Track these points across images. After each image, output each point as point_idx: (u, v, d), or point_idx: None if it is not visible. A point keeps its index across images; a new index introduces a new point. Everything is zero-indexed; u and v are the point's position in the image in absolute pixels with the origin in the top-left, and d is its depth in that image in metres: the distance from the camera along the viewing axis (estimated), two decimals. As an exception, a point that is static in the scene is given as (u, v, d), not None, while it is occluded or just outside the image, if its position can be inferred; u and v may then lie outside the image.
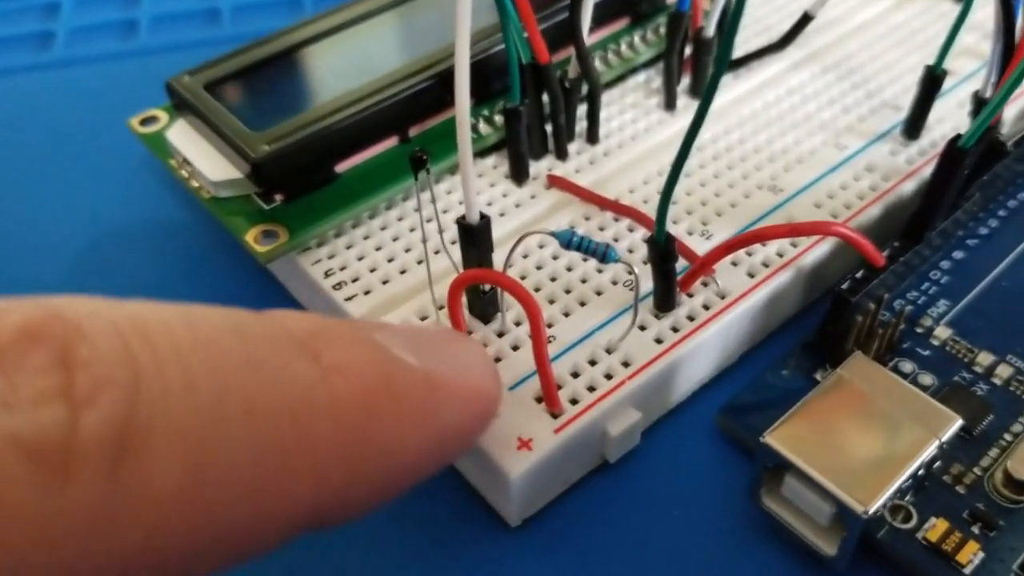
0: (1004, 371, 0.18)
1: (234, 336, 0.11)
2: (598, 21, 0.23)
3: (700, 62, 0.22)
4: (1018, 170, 0.22)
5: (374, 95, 0.20)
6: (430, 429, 0.13)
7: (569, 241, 0.16)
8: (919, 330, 0.19)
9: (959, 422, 0.16)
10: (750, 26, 0.25)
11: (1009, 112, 0.23)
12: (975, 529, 0.16)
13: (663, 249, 0.17)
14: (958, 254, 0.21)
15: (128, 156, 0.24)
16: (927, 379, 0.18)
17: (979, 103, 0.20)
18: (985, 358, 0.19)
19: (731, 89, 0.23)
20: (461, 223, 0.17)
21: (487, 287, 0.17)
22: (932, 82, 0.21)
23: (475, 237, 0.17)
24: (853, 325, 0.18)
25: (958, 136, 0.18)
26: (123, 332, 0.10)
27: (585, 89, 0.21)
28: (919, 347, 0.19)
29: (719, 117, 0.23)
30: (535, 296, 0.16)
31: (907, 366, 0.19)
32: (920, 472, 0.16)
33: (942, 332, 0.19)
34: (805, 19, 0.23)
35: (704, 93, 0.14)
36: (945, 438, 0.16)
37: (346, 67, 0.21)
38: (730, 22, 0.13)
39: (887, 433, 0.16)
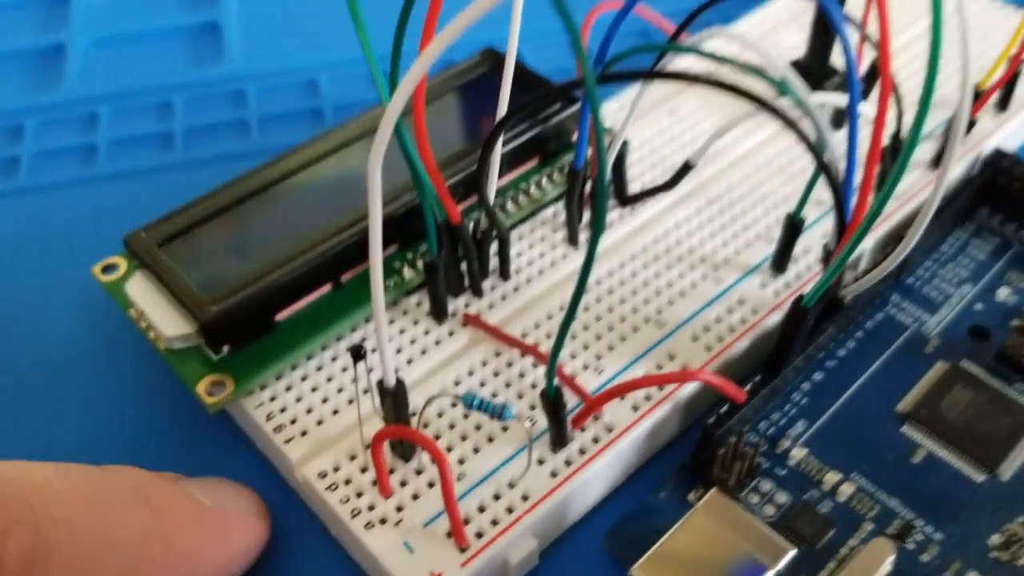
0: (847, 489, 0.22)
1: (93, 486, 0.17)
2: (510, 163, 0.26)
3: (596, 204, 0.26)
4: (876, 291, 0.26)
5: (310, 249, 0.23)
6: (226, 545, 0.19)
7: (471, 403, 0.20)
8: (778, 451, 0.23)
9: (792, 552, 0.19)
10: (647, 158, 0.29)
11: (868, 242, 0.26)
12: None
13: (552, 401, 0.20)
14: (817, 375, 0.24)
15: (89, 291, 0.27)
16: (782, 497, 0.22)
17: (827, 254, 0.23)
18: (832, 477, 0.22)
19: (625, 224, 0.27)
20: (379, 386, 0.20)
21: (405, 434, 0.21)
22: (792, 228, 0.24)
23: (391, 398, 0.20)
24: (717, 455, 0.21)
25: (801, 296, 0.21)
26: (22, 486, 0.16)
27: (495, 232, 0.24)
28: (778, 467, 0.22)
29: (615, 251, 0.26)
30: (441, 449, 0.20)
31: (766, 485, 0.22)
32: (761, 596, 0.19)
33: (798, 452, 0.23)
34: (686, 167, 0.26)
35: (585, 260, 0.16)
36: (780, 567, 0.19)
37: (285, 220, 0.24)
38: (599, 195, 0.16)
39: (733, 565, 0.19)
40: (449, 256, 0.24)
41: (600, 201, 0.16)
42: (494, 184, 0.24)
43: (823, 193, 0.27)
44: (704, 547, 0.19)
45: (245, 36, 0.36)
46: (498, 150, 0.23)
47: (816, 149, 0.19)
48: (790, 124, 0.18)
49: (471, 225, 0.24)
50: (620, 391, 0.21)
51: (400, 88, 0.16)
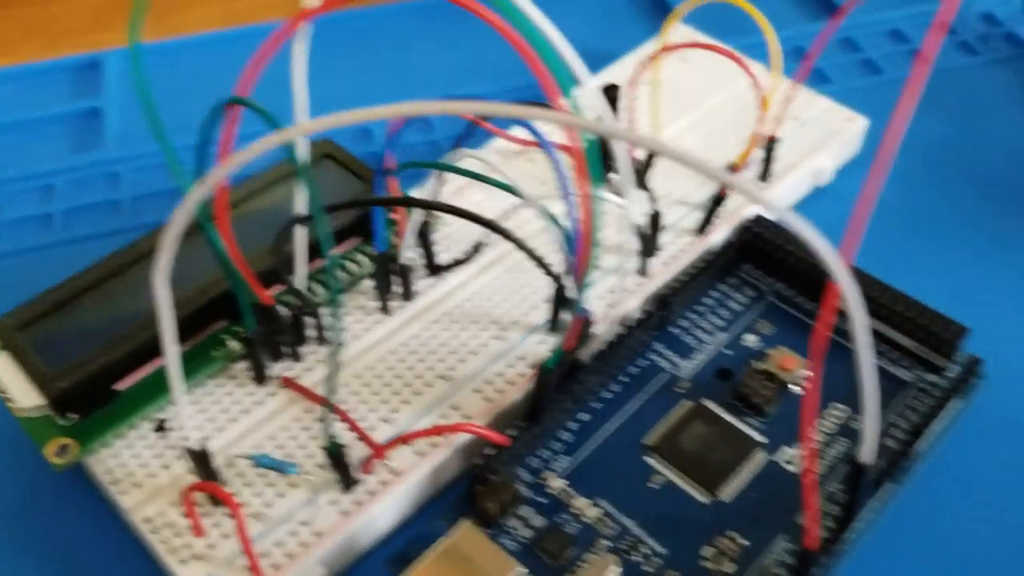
0: (593, 512, 0.27)
1: None
2: (336, 240, 0.31)
3: (404, 277, 0.30)
4: (642, 339, 0.31)
5: (145, 327, 0.28)
6: None
7: (260, 463, 0.24)
8: (541, 482, 0.28)
9: (520, 570, 0.24)
10: (463, 229, 0.33)
11: (633, 302, 0.31)
12: (547, 635, 0.24)
13: (333, 455, 0.25)
14: (584, 415, 0.29)
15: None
16: (538, 521, 0.27)
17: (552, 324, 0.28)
18: (582, 503, 0.27)
19: (435, 291, 0.31)
20: (187, 451, 0.24)
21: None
22: (559, 295, 0.29)
23: (196, 459, 0.24)
24: (481, 489, 0.26)
25: (544, 363, 0.26)
26: None
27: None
28: (539, 496, 0.27)
29: (422, 316, 0.31)
30: (235, 499, 0.24)
31: (527, 512, 0.27)
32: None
33: (557, 483, 0.27)
34: (478, 246, 0.31)
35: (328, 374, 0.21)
36: (506, 582, 0.24)
37: (128, 301, 0.29)
38: (332, 298, 0.20)
39: (474, 581, 0.24)
40: (265, 331, 0.28)
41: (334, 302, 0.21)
42: (302, 268, 0.28)
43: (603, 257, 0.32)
44: (449, 570, 0.24)
45: (123, 121, 0.41)
46: (303, 239, 0.28)
47: (543, 264, 0.23)
48: (519, 244, 0.23)
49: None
50: (402, 440, 0.26)
51: (178, 212, 0.20)
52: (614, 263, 0.32)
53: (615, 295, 0.31)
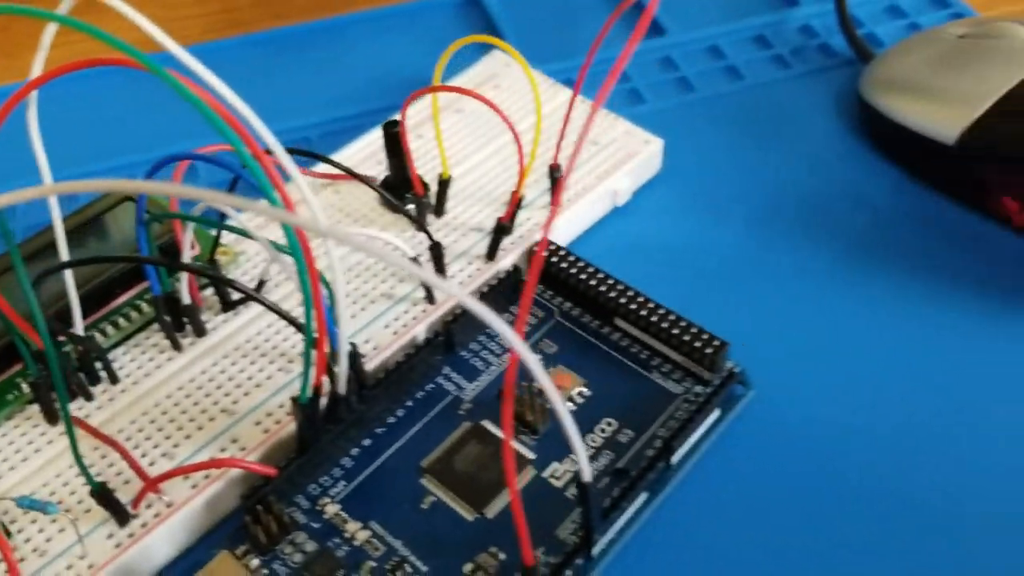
0: (363, 535, 0.28)
1: None
2: (127, 284, 0.32)
3: (191, 316, 0.32)
4: (429, 363, 0.32)
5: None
6: None
7: (20, 504, 0.26)
8: (317, 508, 0.29)
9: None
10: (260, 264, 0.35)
11: (420, 328, 0.33)
12: (305, 656, 0.26)
13: (99, 493, 0.26)
14: (367, 441, 0.31)
15: None
16: (310, 546, 0.28)
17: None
18: (353, 526, 0.29)
19: (229, 325, 0.33)
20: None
21: None
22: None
23: (-38, 502, 0.26)
24: (250, 519, 0.28)
25: (297, 397, 0.28)
26: None
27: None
28: (313, 521, 0.29)
29: (214, 351, 0.32)
30: (5, 540, 0.26)
31: (301, 537, 0.28)
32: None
33: (332, 508, 0.29)
34: (261, 283, 0.32)
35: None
36: (257, 607, 0.25)
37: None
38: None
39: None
40: (45, 375, 0.29)
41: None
42: (77, 318, 0.30)
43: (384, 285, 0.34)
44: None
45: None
46: (72, 285, 0.29)
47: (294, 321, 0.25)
48: (273, 309, 0.25)
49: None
50: (173, 474, 0.28)
51: None
52: (403, 291, 0.34)
53: (400, 322, 0.32)
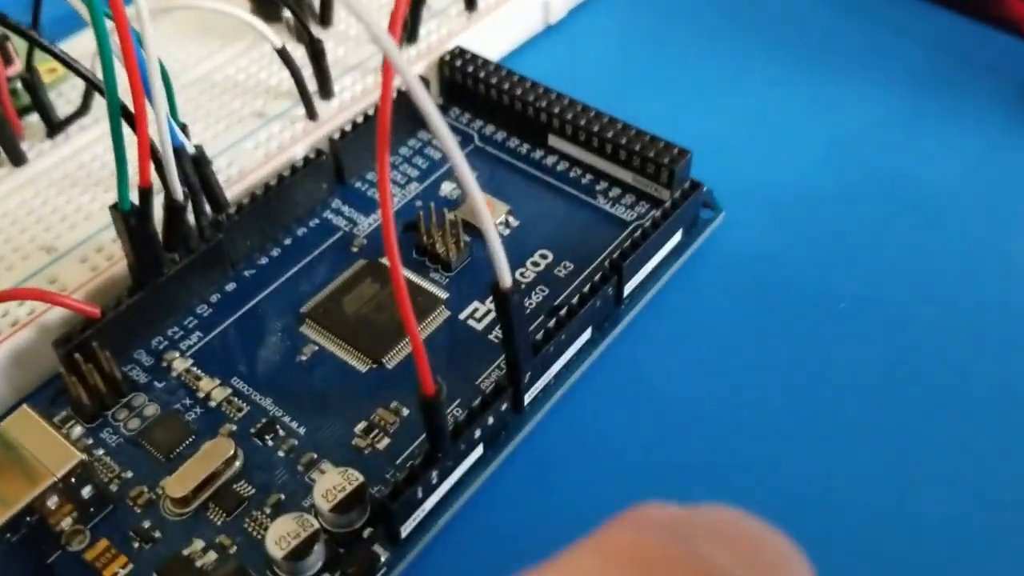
0: (220, 394, 0.22)
1: None
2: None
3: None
4: (314, 192, 0.26)
5: None
6: None
7: None
8: (163, 364, 0.22)
9: (76, 460, 0.19)
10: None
11: (298, 149, 0.26)
12: (136, 544, 0.19)
13: None
14: (230, 286, 0.24)
15: None
16: (151, 410, 0.22)
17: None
18: (208, 384, 0.22)
19: (56, 152, 0.26)
20: None
21: None
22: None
23: None
24: (70, 374, 0.21)
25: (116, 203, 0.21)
26: None
27: None
28: (157, 380, 0.22)
29: (36, 181, 0.25)
30: None
31: (139, 400, 0.22)
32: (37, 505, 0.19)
33: (181, 364, 0.22)
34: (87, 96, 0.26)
35: None
36: (60, 475, 0.19)
37: None
38: None
39: (24, 474, 0.19)
40: None
41: None
42: None
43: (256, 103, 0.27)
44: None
45: None
46: None
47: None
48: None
49: None
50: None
51: None
52: (278, 108, 0.27)
53: (273, 143, 0.26)
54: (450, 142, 0.15)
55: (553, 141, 0.27)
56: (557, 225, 0.25)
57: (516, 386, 0.21)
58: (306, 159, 0.25)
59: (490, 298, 0.22)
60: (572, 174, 0.27)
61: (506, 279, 0.18)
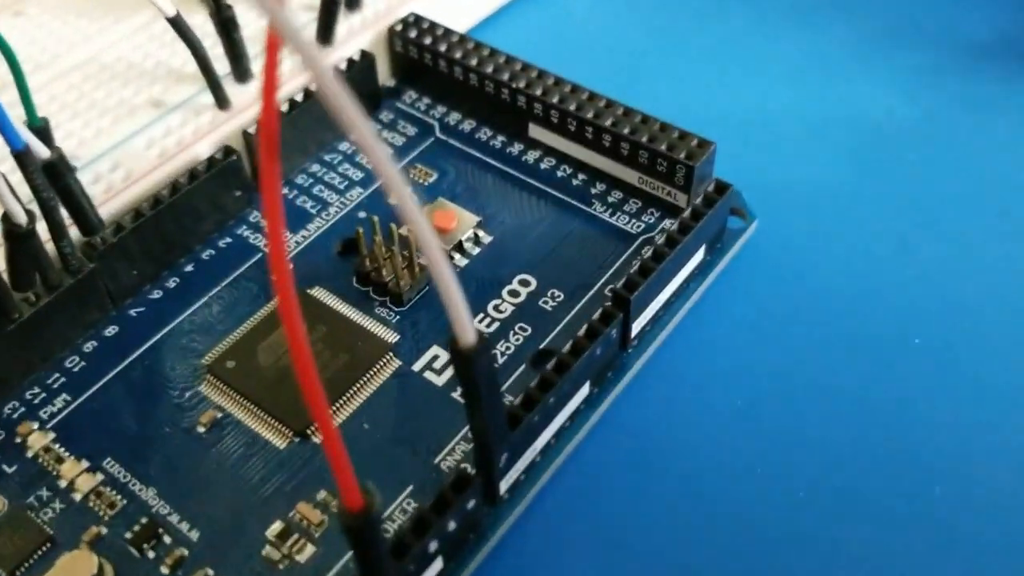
0: (87, 483, 0.16)
1: None
2: None
3: None
4: (224, 203, 0.20)
5: None
6: None
7: None
8: (16, 439, 0.17)
9: None
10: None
11: (203, 147, 0.21)
12: None
13: None
14: (110, 329, 0.19)
15: None
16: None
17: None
18: (74, 468, 0.17)
19: None
20: None
21: None
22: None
23: None
24: None
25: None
26: None
27: None
28: (5, 463, 0.17)
29: None
30: None
31: (-21, 493, 0.16)
32: None
33: (39, 439, 0.17)
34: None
35: None
36: None
37: None
38: None
39: None
40: None
41: None
42: None
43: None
44: None
45: None
46: None
47: None
48: None
49: None
50: None
51: None
52: (179, 97, 0.21)
53: (171, 139, 0.20)
54: (375, 148, 0.10)
55: (535, 132, 0.21)
56: (541, 241, 0.20)
57: (488, 472, 0.15)
58: (212, 159, 0.20)
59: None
60: (560, 174, 0.21)
61: (468, 334, 0.13)
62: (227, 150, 0.20)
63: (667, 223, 0.20)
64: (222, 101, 0.21)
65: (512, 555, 0.16)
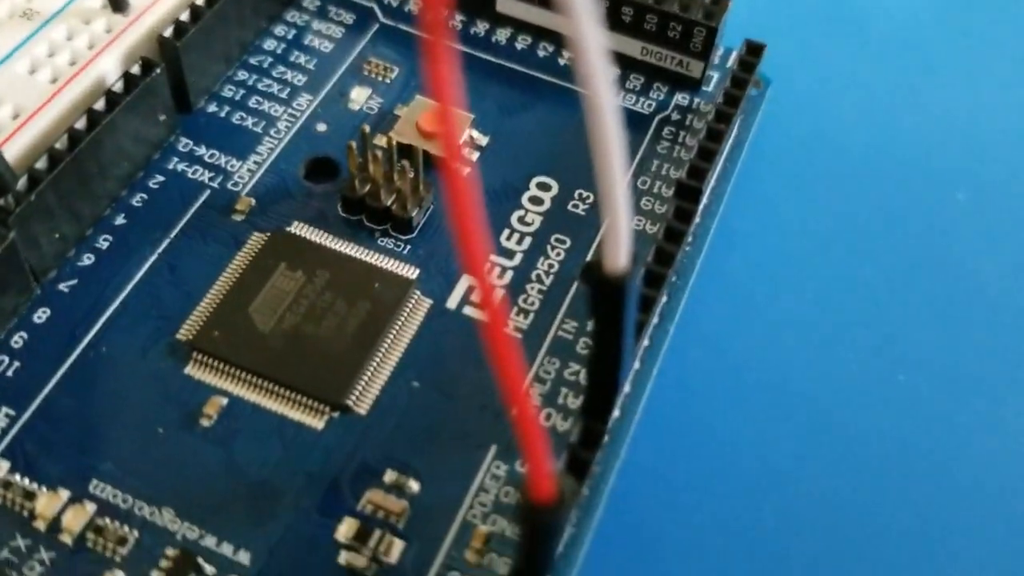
0: (76, 518, 0.13)
1: None
2: None
3: None
4: (147, 132, 0.16)
5: None
6: None
7: None
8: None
9: None
10: None
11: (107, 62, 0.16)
12: None
13: None
14: (40, 313, 0.15)
15: None
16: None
17: None
18: (49, 503, 0.13)
19: None
20: None
21: None
22: None
23: None
24: None
25: None
26: None
27: None
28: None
29: None
30: None
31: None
32: None
33: (-7, 471, 0.13)
34: None
35: None
36: None
37: None
38: None
39: None
40: None
41: None
42: None
43: None
44: None
45: None
46: None
47: None
48: None
49: None
50: None
51: None
52: (56, 3, 0.17)
53: (63, 60, 0.16)
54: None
55: (503, 5, 0.19)
56: (546, 136, 0.17)
57: (608, 401, 0.13)
58: (129, 77, 0.16)
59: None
60: (541, 53, 0.19)
61: (620, 256, 0.10)
62: (146, 63, 0.16)
63: (679, 97, 0.18)
64: (117, 2, 0.16)
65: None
